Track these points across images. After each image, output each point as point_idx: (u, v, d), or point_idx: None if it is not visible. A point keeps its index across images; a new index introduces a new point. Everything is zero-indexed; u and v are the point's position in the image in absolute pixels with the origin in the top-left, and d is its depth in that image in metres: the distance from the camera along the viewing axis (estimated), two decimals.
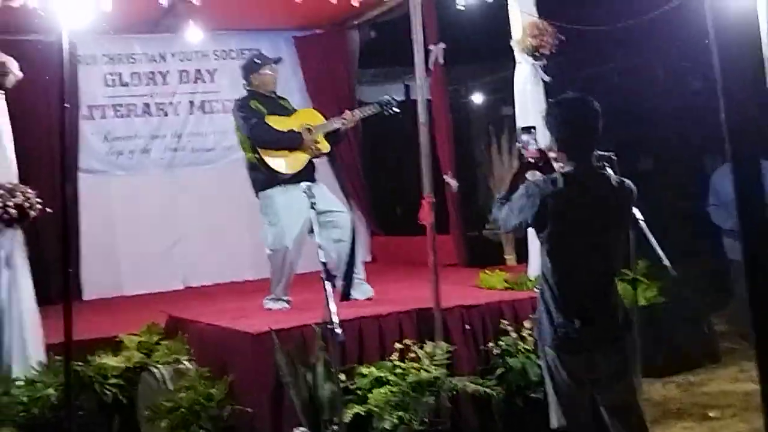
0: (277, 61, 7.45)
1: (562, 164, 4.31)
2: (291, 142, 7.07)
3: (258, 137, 7.05)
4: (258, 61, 7.35)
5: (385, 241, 10.90)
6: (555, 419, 4.33)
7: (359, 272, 7.21)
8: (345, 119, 7.31)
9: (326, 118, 7.36)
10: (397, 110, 7.36)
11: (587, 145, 4.27)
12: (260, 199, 7.17)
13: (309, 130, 7.14)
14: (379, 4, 9.10)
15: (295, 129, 7.11)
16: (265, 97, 7.25)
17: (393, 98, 7.33)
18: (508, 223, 4.41)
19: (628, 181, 4.35)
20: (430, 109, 6.91)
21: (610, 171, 4.41)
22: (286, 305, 7.12)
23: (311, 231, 5.90)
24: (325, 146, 7.21)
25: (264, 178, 7.09)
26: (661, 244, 5.44)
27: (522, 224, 4.33)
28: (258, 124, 7.06)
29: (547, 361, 4.33)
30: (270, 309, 7.08)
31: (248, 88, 7.32)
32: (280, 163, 7.05)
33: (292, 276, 7.19)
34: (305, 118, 7.29)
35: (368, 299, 7.05)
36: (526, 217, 4.25)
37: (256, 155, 7.05)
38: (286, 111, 7.31)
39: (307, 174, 7.05)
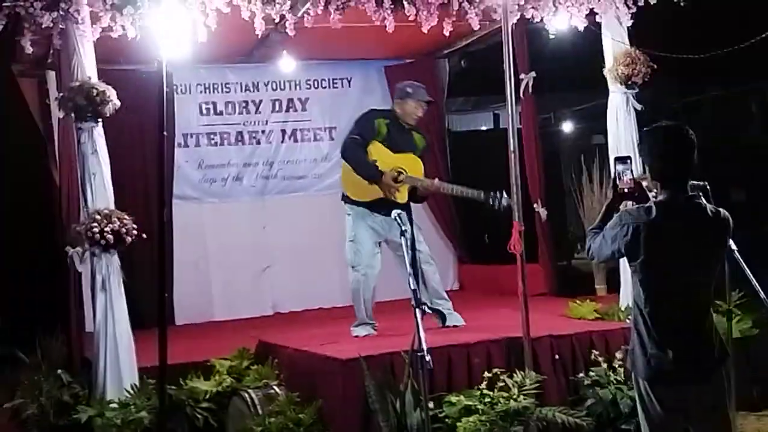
0: (428, 102, 7.44)
1: (656, 193, 4.28)
2: (367, 173, 7.10)
3: (346, 150, 7.16)
4: (409, 90, 7.34)
5: (473, 269, 10.87)
6: None
7: (447, 300, 7.22)
8: (438, 186, 7.31)
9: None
10: (502, 207, 6.87)
11: (682, 174, 4.23)
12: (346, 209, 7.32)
13: (399, 173, 7.14)
14: (469, 34, 9.11)
15: (382, 165, 7.11)
16: (397, 124, 7.28)
17: (501, 194, 6.90)
18: (601, 253, 4.38)
19: (723, 211, 4.29)
20: (520, 137, 6.89)
21: (704, 200, 4.35)
22: (372, 330, 7.15)
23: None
24: (401, 197, 7.13)
25: (343, 194, 7.30)
26: (756, 276, 5.34)
27: (615, 253, 4.29)
28: (355, 141, 7.13)
29: (640, 392, 4.26)
30: (357, 336, 7.11)
31: (390, 108, 7.41)
32: (355, 183, 7.14)
33: (373, 299, 7.25)
34: (406, 162, 7.24)
35: (456, 327, 7.06)
36: (620, 247, 4.22)
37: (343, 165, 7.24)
38: (405, 145, 7.29)
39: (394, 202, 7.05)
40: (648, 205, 4.22)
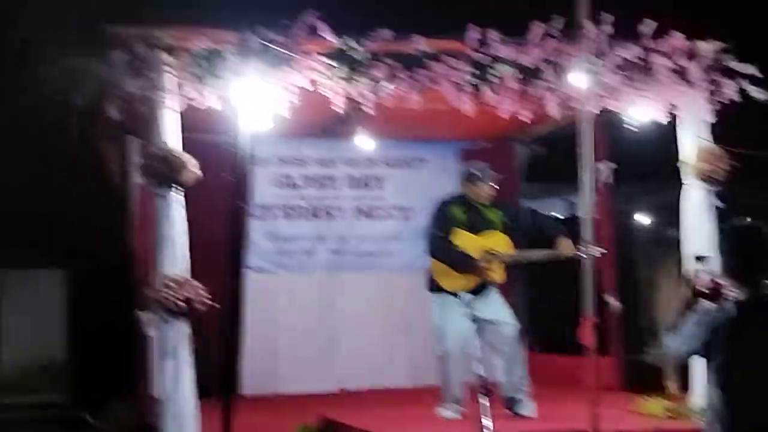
0: (499, 179, 7.51)
1: (733, 292, 4.20)
2: (463, 266, 7.15)
3: (433, 249, 7.23)
4: (477, 173, 7.47)
5: (542, 359, 10.71)
6: None
7: (525, 387, 7.15)
8: (524, 256, 7.36)
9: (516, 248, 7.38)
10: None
11: (760, 273, 4.16)
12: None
13: (491, 254, 7.14)
14: (548, 120, 9.10)
15: (472, 252, 7.18)
16: (471, 205, 7.33)
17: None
18: (678, 351, 4.30)
19: None
20: (594, 227, 6.81)
21: None
22: (455, 414, 7.08)
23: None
24: (499, 276, 7.23)
25: (431, 281, 7.29)
26: None
27: (692, 353, 4.22)
28: (437, 236, 7.24)
29: None
30: (442, 416, 7.16)
31: (460, 192, 7.48)
32: (449, 275, 7.19)
33: (461, 384, 7.18)
34: (493, 240, 7.31)
35: (528, 417, 6.97)
36: (697, 346, 4.14)
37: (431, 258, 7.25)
38: (485, 225, 7.37)
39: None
40: (726, 304, 4.15)
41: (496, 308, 7.20)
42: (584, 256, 6.75)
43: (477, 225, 7.32)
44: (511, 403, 7.08)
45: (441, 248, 7.21)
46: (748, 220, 4.35)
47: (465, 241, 7.24)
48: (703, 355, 4.17)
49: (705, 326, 4.11)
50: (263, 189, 10.19)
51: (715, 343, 4.07)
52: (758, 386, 4.03)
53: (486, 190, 7.36)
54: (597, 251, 6.20)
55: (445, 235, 7.22)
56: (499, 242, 7.29)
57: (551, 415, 7.11)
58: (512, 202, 8.40)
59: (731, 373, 4.07)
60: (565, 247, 7.23)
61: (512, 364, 7.14)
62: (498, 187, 7.51)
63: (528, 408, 7.10)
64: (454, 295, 6.99)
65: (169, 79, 6.77)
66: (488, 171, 7.45)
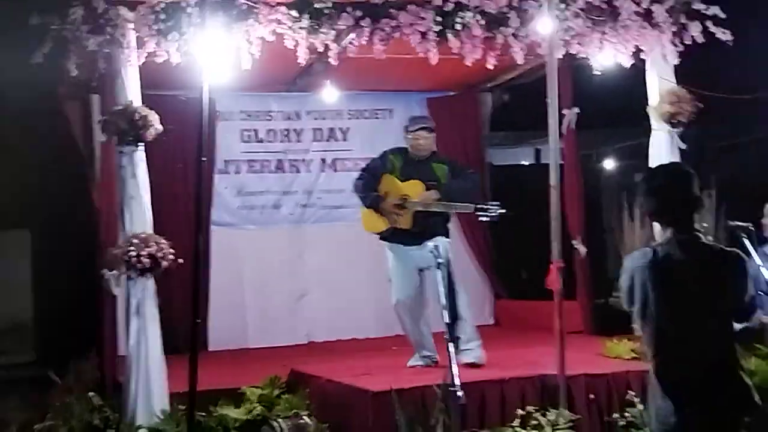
0: (427, 128, 7.46)
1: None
2: (368, 202, 7.33)
3: (355, 186, 7.44)
4: (405, 124, 7.59)
5: (509, 305, 10.78)
6: None
7: (469, 337, 7.08)
8: (436, 206, 7.23)
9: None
10: (492, 220, 7.13)
11: (682, 214, 4.06)
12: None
13: (403, 199, 7.20)
14: (513, 68, 9.08)
15: (390, 196, 7.25)
16: (409, 157, 7.32)
17: (491, 207, 7.08)
18: (621, 299, 4.20)
19: (735, 251, 4.12)
20: (561, 173, 6.81)
21: (748, 242, 4.23)
22: (420, 362, 7.19)
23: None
24: (404, 222, 7.21)
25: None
26: None
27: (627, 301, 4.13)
28: (361, 176, 7.45)
29: None
30: (413, 366, 7.21)
31: (404, 144, 7.50)
32: (368, 217, 7.37)
33: (420, 332, 7.27)
34: (410, 188, 7.29)
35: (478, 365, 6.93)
36: (626, 294, 4.08)
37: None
38: (416, 175, 7.32)
39: (430, 231, 7.08)
40: (648, 248, 4.06)
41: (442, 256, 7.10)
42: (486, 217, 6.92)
43: (408, 175, 7.32)
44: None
45: (357, 185, 7.40)
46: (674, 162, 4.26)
47: (386, 185, 7.31)
48: (627, 301, 4.09)
49: (627, 271, 4.04)
50: (228, 144, 10.15)
51: (634, 289, 4.00)
52: (678, 330, 3.95)
53: (419, 141, 7.34)
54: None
55: (370, 176, 7.36)
56: (416, 190, 7.25)
57: (519, 361, 7.14)
58: (460, 161, 8.26)
59: (652, 318, 3.98)
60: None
61: (458, 310, 7.04)
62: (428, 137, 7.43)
63: (476, 355, 7.01)
64: (404, 244, 7.15)
65: (131, 35, 6.66)
66: (416, 120, 7.48)
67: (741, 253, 4.14)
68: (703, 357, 3.93)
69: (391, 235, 7.29)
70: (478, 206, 7.06)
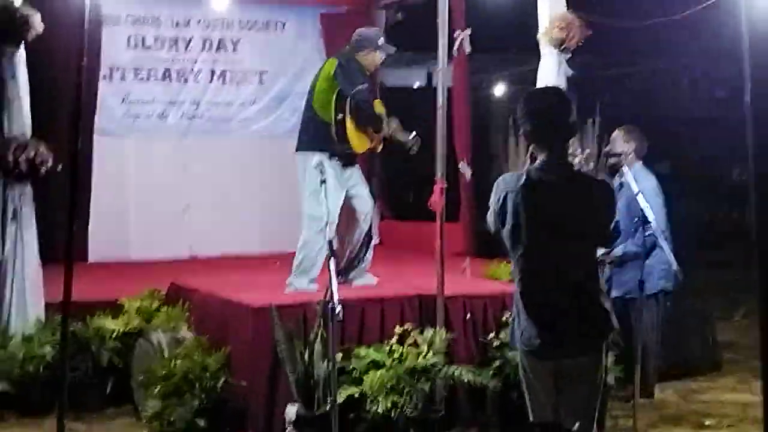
0: (390, 55, 7.20)
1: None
2: (375, 124, 6.85)
3: (361, 104, 6.67)
4: (380, 43, 7.03)
5: (394, 226, 10.86)
6: (530, 414, 4.23)
7: (367, 261, 7.09)
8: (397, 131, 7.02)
9: None
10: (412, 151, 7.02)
11: (556, 137, 4.04)
12: (305, 162, 6.71)
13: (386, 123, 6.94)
14: None
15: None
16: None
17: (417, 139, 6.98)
18: (488, 222, 4.21)
19: (605, 180, 4.21)
20: (450, 96, 6.81)
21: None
22: (312, 286, 6.75)
23: None
24: (376, 145, 7.02)
25: (321, 142, 6.71)
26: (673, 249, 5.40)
27: (495, 225, 4.13)
28: (365, 91, 6.72)
29: (520, 360, 4.22)
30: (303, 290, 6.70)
31: (350, 56, 6.91)
32: (353, 137, 6.76)
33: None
34: (381, 109, 7.01)
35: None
36: (494, 217, 4.09)
37: (338, 116, 6.69)
38: None
39: None
40: (521, 171, 4.07)
41: (359, 182, 7.03)
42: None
43: None
44: (348, 274, 6.98)
45: (366, 102, 6.71)
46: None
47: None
48: (496, 223, 4.10)
49: (499, 193, 4.05)
50: (114, 50, 9.87)
51: (504, 211, 4.01)
52: (543, 254, 3.99)
53: (379, 60, 7.10)
54: None
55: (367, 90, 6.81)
56: (382, 111, 7.06)
57: (400, 281, 7.20)
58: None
59: (519, 241, 4.00)
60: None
61: (362, 237, 7.02)
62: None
63: (366, 279, 7.02)
64: (339, 159, 6.70)
65: None
66: (387, 44, 7.15)
67: (608, 181, 4.22)
68: (566, 281, 3.99)
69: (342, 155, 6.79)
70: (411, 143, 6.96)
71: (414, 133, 6.95)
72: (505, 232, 4.04)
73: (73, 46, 8.19)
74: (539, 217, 3.98)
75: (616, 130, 7.05)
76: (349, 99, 6.68)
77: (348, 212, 6.83)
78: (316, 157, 6.42)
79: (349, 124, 6.73)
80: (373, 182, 10.67)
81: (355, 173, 6.88)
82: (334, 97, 6.73)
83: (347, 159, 6.77)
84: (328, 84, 6.78)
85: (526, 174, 4.02)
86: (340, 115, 6.69)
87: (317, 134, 6.77)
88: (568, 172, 4.10)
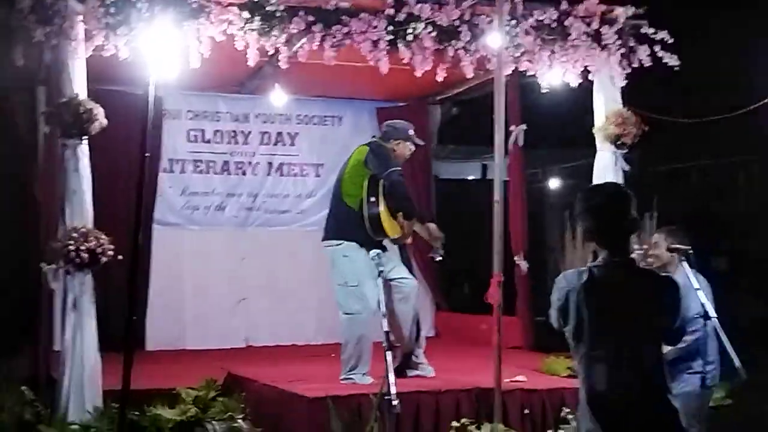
0: (417, 146, 7.30)
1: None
2: (413, 211, 6.91)
3: (397, 184, 6.75)
4: (411, 132, 7.17)
5: (450, 317, 10.81)
6: None
7: (420, 347, 7.08)
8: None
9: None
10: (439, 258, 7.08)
11: (616, 235, 3.99)
12: (334, 252, 6.83)
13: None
14: (463, 82, 9.12)
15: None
16: None
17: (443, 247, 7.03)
18: (550, 318, 4.13)
19: (669, 276, 4.14)
20: (506, 189, 6.84)
21: (686, 266, 4.22)
22: (366, 380, 6.67)
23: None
24: (406, 236, 7.01)
25: (349, 230, 6.78)
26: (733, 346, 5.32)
27: (558, 322, 4.05)
28: (400, 173, 6.81)
29: None
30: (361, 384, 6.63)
31: (381, 145, 7.09)
32: (385, 220, 6.78)
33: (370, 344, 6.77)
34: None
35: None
36: (556, 314, 4.02)
37: (370, 199, 6.75)
38: None
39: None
40: (584, 268, 4.01)
41: (398, 265, 7.07)
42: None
43: None
44: (407, 363, 6.96)
45: (402, 186, 6.77)
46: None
47: None
48: (560, 321, 4.02)
49: (561, 290, 3.98)
50: (174, 143, 10.08)
51: (567, 309, 3.94)
52: (609, 351, 3.89)
53: (408, 150, 7.19)
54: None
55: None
56: None
57: (456, 374, 7.16)
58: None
59: (583, 339, 3.93)
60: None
61: (411, 322, 6.98)
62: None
63: (425, 370, 7.00)
64: (367, 248, 6.58)
65: (79, 27, 6.60)
66: (415, 138, 7.22)
67: (673, 278, 4.17)
68: (633, 381, 3.89)
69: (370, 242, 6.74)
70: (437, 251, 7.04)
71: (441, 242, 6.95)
72: (569, 329, 3.98)
73: (133, 138, 8.42)
74: (603, 315, 3.91)
75: (656, 233, 7.02)
76: (382, 181, 6.74)
77: (392, 296, 6.83)
78: (349, 248, 6.54)
79: (382, 207, 6.75)
80: (427, 271, 10.69)
81: (392, 257, 6.88)
82: (366, 182, 6.80)
83: (379, 245, 6.63)
84: (357, 170, 6.89)
85: (588, 271, 3.96)
86: (372, 198, 6.73)
87: (346, 223, 6.83)
88: (631, 269, 4.03)
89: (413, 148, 7.22)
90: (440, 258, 7.01)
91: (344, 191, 6.94)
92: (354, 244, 6.80)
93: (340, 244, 6.85)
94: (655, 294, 4.00)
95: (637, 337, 3.93)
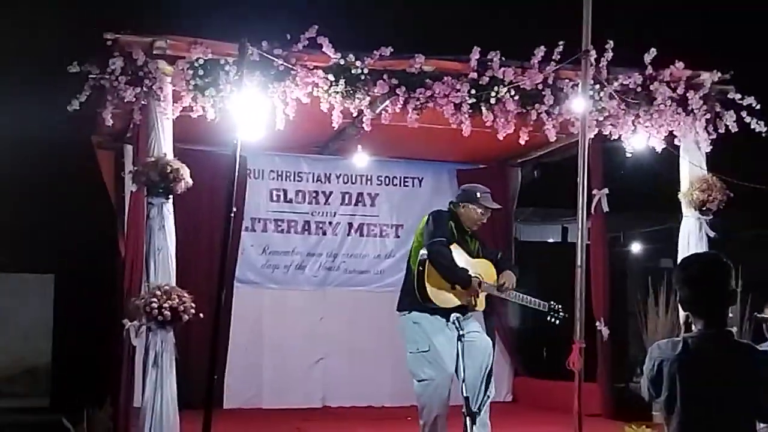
0: (494, 209, 7.05)
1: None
2: (460, 280, 6.59)
3: (435, 254, 6.55)
4: (478, 195, 6.87)
5: (528, 383, 10.67)
6: None
7: (486, 405, 6.80)
8: (509, 295, 6.86)
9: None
10: (559, 320, 6.81)
11: (714, 307, 3.87)
12: (405, 321, 6.69)
13: (479, 282, 6.68)
14: (544, 145, 9.10)
15: (471, 272, 6.67)
16: (459, 227, 6.84)
17: (560, 308, 6.81)
18: (641, 389, 4.03)
19: (764, 351, 4.00)
20: (587, 253, 6.76)
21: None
22: None
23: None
24: (481, 305, 6.76)
25: (411, 300, 6.62)
26: None
27: (649, 390, 3.94)
28: (441, 243, 6.57)
29: None
30: None
31: (451, 209, 6.92)
32: (434, 291, 6.57)
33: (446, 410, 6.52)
34: (482, 268, 6.83)
35: None
36: (648, 385, 3.91)
37: (419, 268, 6.59)
38: (470, 252, 6.85)
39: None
40: (678, 339, 3.89)
41: (476, 329, 6.87)
42: (553, 318, 6.73)
43: (464, 248, 6.80)
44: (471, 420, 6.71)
45: (445, 254, 6.54)
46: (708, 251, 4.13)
47: (460, 259, 6.68)
48: (652, 391, 3.92)
49: (654, 361, 3.88)
50: (256, 202, 10.17)
51: (661, 380, 3.84)
52: (701, 426, 3.79)
53: (480, 214, 7.01)
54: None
55: (447, 244, 6.61)
56: (487, 271, 6.85)
57: None
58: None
59: (676, 412, 3.81)
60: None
61: (484, 381, 6.75)
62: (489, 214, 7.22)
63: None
64: (440, 315, 6.50)
65: (168, 89, 6.75)
66: (488, 196, 7.05)
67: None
68: None
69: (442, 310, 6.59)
70: (551, 306, 6.79)
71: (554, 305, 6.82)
72: (661, 401, 3.90)
73: (216, 197, 8.55)
74: (697, 389, 3.81)
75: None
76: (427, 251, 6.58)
77: (468, 358, 6.62)
78: (410, 316, 6.51)
79: (427, 278, 6.57)
80: (505, 335, 10.59)
81: (472, 321, 6.68)
82: (418, 247, 6.69)
83: (442, 313, 6.51)
84: (418, 239, 6.76)
85: (683, 342, 3.86)
86: (420, 268, 6.58)
87: (411, 292, 6.63)
88: (728, 342, 3.91)
89: (483, 211, 7.02)
90: (558, 321, 6.81)
91: (411, 259, 6.84)
92: (425, 314, 6.59)
93: (409, 313, 6.70)
94: (751, 368, 3.89)
95: (732, 411, 3.82)
